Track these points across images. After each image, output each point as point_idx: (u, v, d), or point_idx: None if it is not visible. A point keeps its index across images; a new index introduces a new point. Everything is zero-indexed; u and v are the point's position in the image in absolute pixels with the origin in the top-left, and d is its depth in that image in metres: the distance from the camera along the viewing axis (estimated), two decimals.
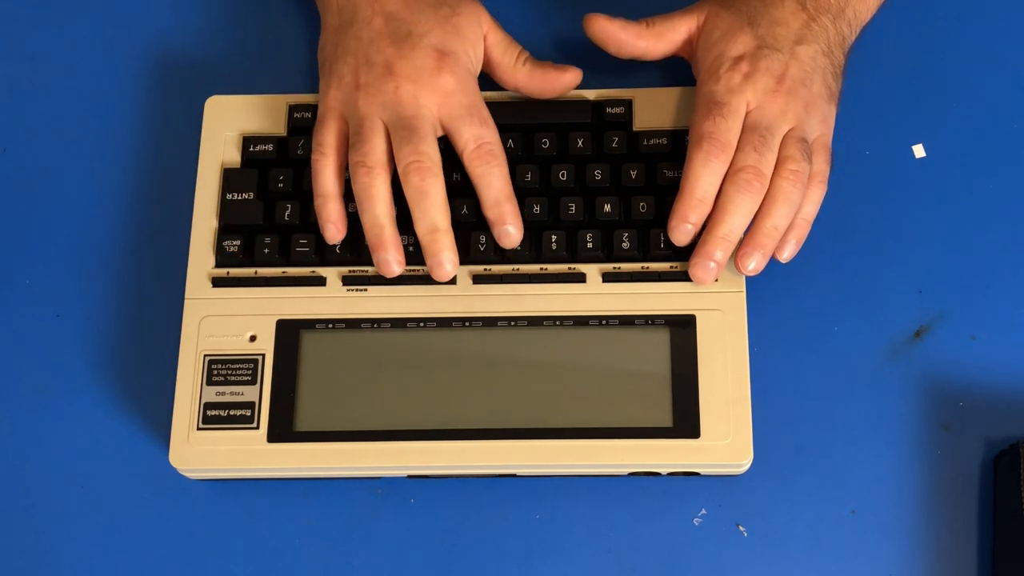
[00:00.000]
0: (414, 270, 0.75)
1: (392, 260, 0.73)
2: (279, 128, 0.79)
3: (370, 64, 0.74)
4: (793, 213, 0.73)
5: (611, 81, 0.80)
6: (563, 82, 0.77)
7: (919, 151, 0.80)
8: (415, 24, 0.74)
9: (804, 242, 0.74)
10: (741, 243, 0.73)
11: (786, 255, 0.74)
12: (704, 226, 0.73)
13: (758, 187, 0.71)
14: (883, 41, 0.82)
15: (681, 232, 0.73)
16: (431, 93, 0.73)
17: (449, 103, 0.73)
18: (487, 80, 0.77)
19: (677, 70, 0.80)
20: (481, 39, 0.76)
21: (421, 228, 0.73)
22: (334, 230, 0.74)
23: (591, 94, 0.78)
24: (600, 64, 0.79)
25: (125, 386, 0.77)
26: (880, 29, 0.81)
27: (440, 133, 0.74)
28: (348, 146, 0.74)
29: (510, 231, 0.74)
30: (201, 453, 0.72)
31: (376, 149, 0.73)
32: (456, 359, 0.73)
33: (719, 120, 0.72)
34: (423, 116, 0.73)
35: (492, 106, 0.76)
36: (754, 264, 0.73)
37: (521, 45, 0.77)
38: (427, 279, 0.74)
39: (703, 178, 0.72)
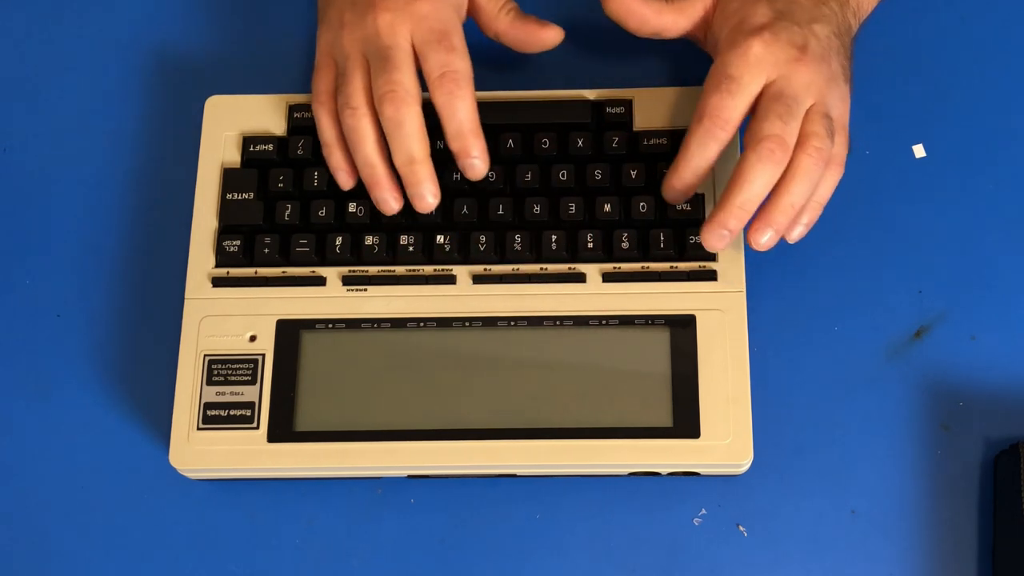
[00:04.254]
0: (414, 270, 0.75)
1: (390, 198, 0.73)
2: (279, 128, 0.79)
3: (355, 3, 0.73)
4: (811, 191, 0.71)
5: (612, 80, 0.80)
6: (542, 37, 0.76)
7: (919, 151, 0.80)
8: None
9: (811, 229, 0.73)
10: (755, 217, 0.70)
11: (795, 235, 0.73)
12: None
13: (780, 157, 0.69)
14: (883, 41, 0.82)
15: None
16: (406, 20, 0.72)
17: (421, 29, 0.72)
18: (489, 79, 0.77)
19: (677, 70, 0.80)
20: None
21: (399, 159, 0.72)
22: (345, 176, 0.74)
23: (591, 94, 0.78)
24: (603, 61, 0.79)
25: (125, 386, 0.77)
26: (880, 29, 0.81)
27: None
28: None
29: (475, 164, 0.72)
30: (201, 453, 0.72)
31: (358, 88, 0.72)
32: (456, 359, 0.73)
33: (732, 83, 0.69)
34: (398, 45, 0.71)
35: (492, 105, 0.76)
36: (766, 239, 0.70)
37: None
38: (427, 279, 0.74)
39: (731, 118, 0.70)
